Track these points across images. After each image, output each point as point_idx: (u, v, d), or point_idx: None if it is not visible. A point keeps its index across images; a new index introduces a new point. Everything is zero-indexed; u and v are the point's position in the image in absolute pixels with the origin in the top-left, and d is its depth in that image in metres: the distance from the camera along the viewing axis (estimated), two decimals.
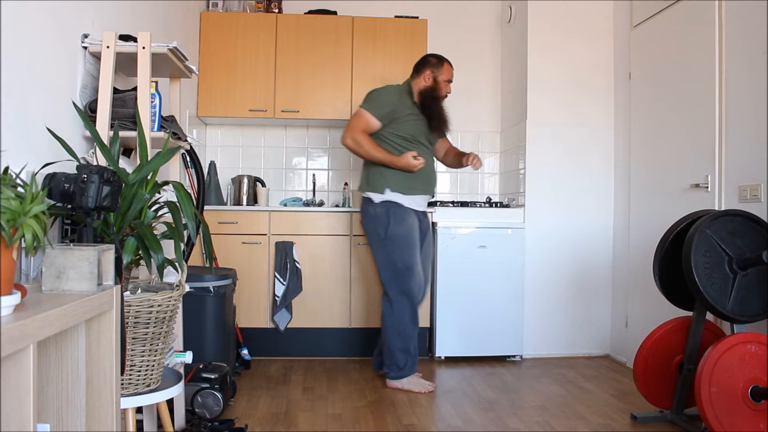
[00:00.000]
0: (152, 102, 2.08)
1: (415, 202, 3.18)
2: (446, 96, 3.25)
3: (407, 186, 3.13)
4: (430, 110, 3.19)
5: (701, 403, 2.21)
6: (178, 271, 1.83)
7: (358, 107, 3.18)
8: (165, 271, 1.70)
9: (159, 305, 1.70)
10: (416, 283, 3.11)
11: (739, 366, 2.25)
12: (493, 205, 3.96)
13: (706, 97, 2.97)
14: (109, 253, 1.39)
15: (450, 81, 3.25)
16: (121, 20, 2.39)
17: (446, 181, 4.44)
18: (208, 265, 2.41)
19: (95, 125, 1.96)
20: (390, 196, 3.11)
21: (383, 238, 3.10)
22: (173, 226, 1.76)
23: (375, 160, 3.12)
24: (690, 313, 2.58)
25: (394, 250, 3.08)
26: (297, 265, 3.66)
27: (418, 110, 3.19)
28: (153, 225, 1.80)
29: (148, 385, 1.74)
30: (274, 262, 3.66)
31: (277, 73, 3.97)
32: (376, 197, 3.13)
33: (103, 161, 1.84)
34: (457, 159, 3.33)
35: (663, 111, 3.36)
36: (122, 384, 1.66)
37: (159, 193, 1.84)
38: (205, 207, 3.55)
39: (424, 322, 3.70)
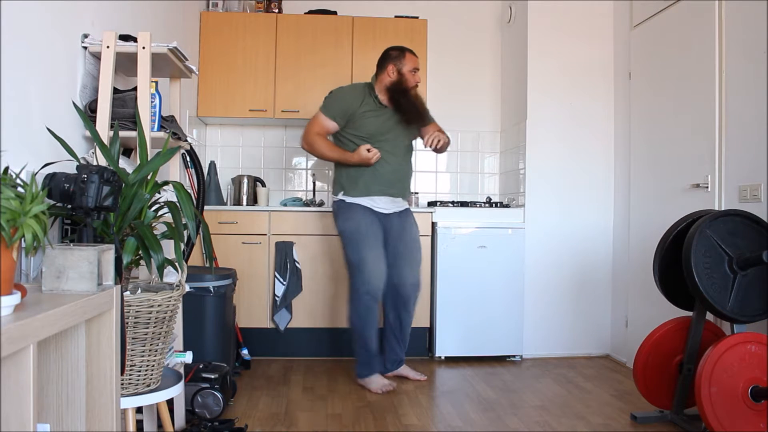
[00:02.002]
0: (152, 102, 2.08)
1: (375, 203, 3.14)
2: (416, 85, 3.19)
3: (363, 189, 3.12)
4: (402, 104, 3.13)
5: (701, 403, 2.21)
6: (178, 271, 1.83)
7: (318, 111, 3.20)
8: (165, 271, 1.70)
9: (159, 305, 1.70)
10: (366, 280, 3.03)
11: (739, 366, 2.25)
12: (493, 205, 3.96)
13: (706, 97, 2.97)
14: (109, 253, 1.39)
15: (416, 70, 3.18)
16: (121, 20, 2.39)
17: (446, 181, 4.44)
18: (208, 265, 2.41)
19: (95, 125, 1.96)
20: (344, 197, 3.14)
21: (338, 233, 3.17)
22: (173, 226, 1.76)
23: (330, 160, 3.16)
24: (690, 313, 2.58)
25: (344, 246, 3.14)
26: (297, 265, 3.66)
27: (380, 106, 3.15)
28: (153, 225, 1.80)
29: (148, 385, 1.74)
30: (274, 262, 3.66)
31: (277, 73, 3.97)
32: (334, 197, 3.21)
33: (103, 161, 1.84)
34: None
35: (663, 111, 3.36)
36: (122, 384, 1.66)
37: (159, 193, 1.84)
38: (205, 207, 3.55)
39: (423, 322, 3.71)
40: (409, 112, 3.15)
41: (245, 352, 3.49)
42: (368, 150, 3.03)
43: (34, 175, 1.15)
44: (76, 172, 1.53)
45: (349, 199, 3.13)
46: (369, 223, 3.11)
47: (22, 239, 1.06)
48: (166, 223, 1.78)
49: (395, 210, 3.22)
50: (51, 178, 1.53)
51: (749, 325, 2.44)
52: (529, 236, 3.81)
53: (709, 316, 2.58)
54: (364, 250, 3.06)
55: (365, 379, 3.11)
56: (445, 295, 3.68)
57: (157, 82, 2.12)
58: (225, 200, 4.13)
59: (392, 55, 3.16)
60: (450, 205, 3.88)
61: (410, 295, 3.20)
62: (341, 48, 4.01)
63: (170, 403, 2.25)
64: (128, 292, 1.71)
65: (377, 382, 3.07)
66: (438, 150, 3.21)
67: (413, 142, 3.34)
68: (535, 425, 2.60)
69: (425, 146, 3.18)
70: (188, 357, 2.22)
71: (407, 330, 3.27)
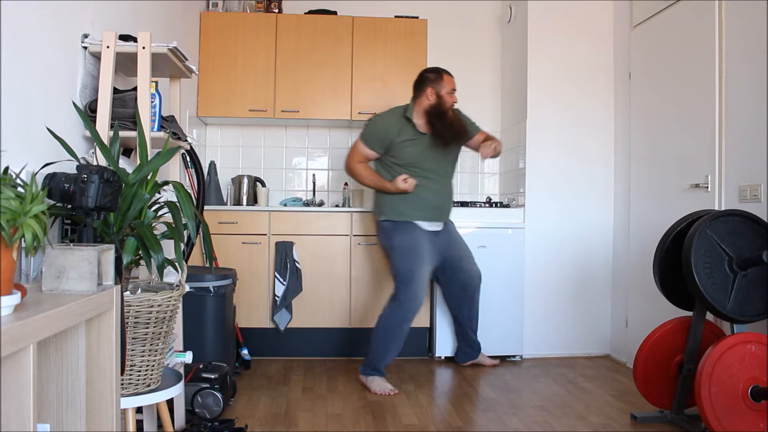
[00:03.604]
0: (152, 102, 2.08)
1: (419, 224, 3.24)
2: (452, 105, 3.23)
3: (404, 215, 3.20)
4: (437, 128, 3.16)
5: (701, 403, 2.21)
6: (178, 271, 1.83)
7: (359, 140, 3.27)
8: (165, 271, 1.70)
9: (159, 305, 1.70)
10: (413, 295, 3.10)
11: (739, 366, 2.25)
12: (493, 205, 3.96)
13: (706, 97, 2.97)
14: (109, 253, 1.39)
15: (454, 90, 3.22)
16: (121, 20, 2.39)
17: None
18: (208, 265, 2.41)
19: (95, 125, 1.96)
20: (390, 218, 3.22)
21: (388, 248, 3.26)
22: (173, 226, 1.76)
23: (370, 187, 3.29)
24: (690, 313, 2.58)
25: (393, 258, 3.21)
26: (297, 265, 3.66)
27: (418, 134, 3.19)
28: (153, 225, 1.80)
29: (148, 385, 1.74)
30: (274, 262, 3.66)
31: (277, 73, 3.97)
32: (377, 218, 3.30)
33: (103, 161, 1.84)
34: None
35: (663, 111, 3.36)
36: (122, 384, 1.67)
37: (159, 193, 1.84)
38: (205, 207, 3.55)
39: (423, 322, 3.71)
40: (445, 135, 3.17)
41: (245, 352, 3.49)
42: (405, 180, 3.10)
43: (34, 175, 1.15)
44: (76, 172, 1.53)
45: (396, 218, 3.21)
46: (421, 240, 3.20)
47: (22, 239, 1.06)
48: (166, 223, 1.78)
49: (438, 229, 3.32)
50: (51, 178, 1.53)
51: (749, 325, 2.44)
52: (529, 236, 3.81)
53: (709, 316, 2.58)
54: (414, 265, 3.13)
55: (369, 377, 3.11)
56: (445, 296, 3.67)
57: (157, 82, 2.12)
58: (225, 200, 4.13)
59: (430, 77, 3.19)
60: None
61: (478, 285, 3.43)
62: (341, 48, 4.01)
63: (170, 403, 2.25)
64: (128, 292, 1.71)
65: (381, 384, 3.07)
66: (494, 157, 3.32)
67: (455, 164, 3.39)
68: (535, 425, 2.60)
69: (483, 160, 3.31)
70: (188, 357, 2.22)
71: (477, 319, 3.52)
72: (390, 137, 3.16)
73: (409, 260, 3.14)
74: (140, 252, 1.68)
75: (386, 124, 3.20)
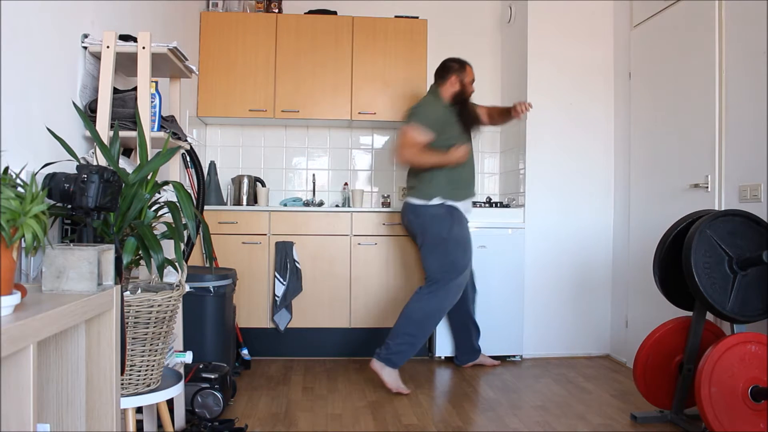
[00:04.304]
0: (152, 102, 2.08)
1: (464, 206, 3.28)
2: (471, 94, 3.37)
3: (463, 192, 3.26)
4: (464, 113, 3.30)
5: (701, 403, 2.21)
6: (178, 271, 1.83)
7: (404, 125, 3.22)
8: (165, 271, 1.70)
9: (159, 305, 1.70)
10: (460, 284, 3.17)
11: (739, 366, 2.25)
12: (493, 205, 3.96)
13: (706, 97, 2.97)
14: (109, 253, 1.39)
15: (473, 81, 3.36)
16: (121, 20, 2.39)
17: None
18: (208, 265, 2.41)
19: (95, 125, 1.96)
20: (444, 201, 3.21)
21: (447, 239, 3.16)
22: (173, 226, 1.76)
23: (435, 166, 3.20)
24: (690, 313, 2.58)
25: (448, 249, 3.16)
26: (297, 265, 3.66)
27: (456, 115, 3.29)
28: (153, 225, 1.80)
29: (148, 385, 1.74)
30: (274, 262, 3.66)
31: (277, 73, 3.97)
32: (427, 202, 3.21)
33: (103, 161, 1.84)
34: (503, 117, 3.43)
35: (663, 111, 3.36)
36: (122, 384, 1.67)
37: (159, 193, 1.84)
38: (205, 207, 3.55)
39: None
40: (470, 120, 3.32)
41: (245, 352, 3.49)
42: (458, 148, 3.19)
43: (34, 175, 1.15)
44: (76, 172, 1.53)
45: (449, 202, 3.21)
46: (468, 230, 3.28)
47: (22, 239, 1.06)
48: (166, 223, 1.78)
49: (469, 214, 3.37)
50: (51, 178, 1.53)
51: (749, 325, 2.44)
52: (529, 236, 3.81)
53: (709, 316, 2.58)
54: (467, 256, 3.21)
55: (387, 369, 3.05)
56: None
57: (157, 82, 2.12)
58: (225, 200, 4.13)
59: (454, 67, 3.31)
60: None
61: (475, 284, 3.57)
62: (341, 48, 4.01)
63: (170, 403, 2.25)
64: (128, 292, 1.71)
65: (395, 379, 3.07)
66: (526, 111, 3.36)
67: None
68: (535, 425, 2.60)
69: (519, 118, 3.36)
70: (188, 357, 2.22)
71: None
72: (444, 118, 3.23)
73: (465, 252, 3.20)
74: (140, 252, 1.68)
75: (436, 107, 3.26)
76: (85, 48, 2.04)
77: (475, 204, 3.93)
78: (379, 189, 4.41)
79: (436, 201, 3.20)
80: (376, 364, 3.08)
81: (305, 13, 4.06)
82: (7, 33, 1.56)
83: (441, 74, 3.34)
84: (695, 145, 3.06)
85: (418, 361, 3.65)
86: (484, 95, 4.41)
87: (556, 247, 3.84)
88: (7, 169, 1.25)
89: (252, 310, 3.67)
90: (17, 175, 1.29)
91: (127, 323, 1.64)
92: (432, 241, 3.19)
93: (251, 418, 2.61)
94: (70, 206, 1.53)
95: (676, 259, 2.52)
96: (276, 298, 3.62)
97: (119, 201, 1.63)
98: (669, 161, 3.29)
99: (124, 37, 2.06)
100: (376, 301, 3.75)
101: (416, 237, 3.31)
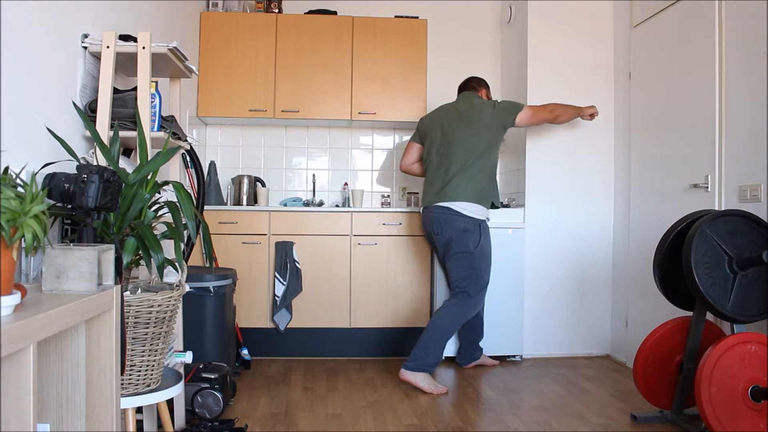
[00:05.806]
0: (152, 102, 2.08)
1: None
2: None
3: (491, 201, 3.33)
4: None
5: (701, 403, 2.21)
6: (178, 271, 1.83)
7: (521, 105, 3.36)
8: (165, 271, 1.70)
9: (159, 305, 1.70)
10: (482, 298, 3.31)
11: (739, 366, 2.25)
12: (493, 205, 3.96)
13: (706, 97, 2.97)
14: (109, 253, 1.39)
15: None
16: (121, 20, 2.39)
17: None
18: (208, 265, 2.41)
19: (95, 125, 1.96)
20: (486, 219, 3.29)
21: (487, 253, 3.28)
22: (173, 226, 1.76)
23: (571, 117, 3.50)
24: (690, 313, 2.58)
25: (478, 263, 3.23)
26: (297, 265, 3.66)
27: None
28: (153, 225, 1.80)
29: (148, 385, 1.74)
30: (274, 262, 3.66)
31: (277, 73, 3.97)
32: (479, 217, 3.24)
33: (103, 161, 1.84)
34: None
35: (663, 111, 3.35)
36: (122, 384, 1.67)
37: (159, 193, 1.84)
38: (205, 207, 3.55)
39: (423, 322, 3.71)
40: None
41: (245, 352, 3.49)
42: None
43: (34, 175, 1.15)
44: (76, 172, 1.53)
45: (487, 220, 3.33)
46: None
47: (22, 239, 1.06)
48: (166, 223, 1.78)
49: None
50: (51, 178, 1.53)
51: (749, 325, 2.44)
52: (529, 236, 3.81)
53: (709, 316, 2.58)
54: (490, 272, 3.32)
55: (419, 375, 3.09)
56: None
57: (157, 82, 2.12)
58: (225, 200, 4.13)
59: (487, 84, 3.58)
60: None
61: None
62: (341, 48, 4.01)
63: (170, 403, 2.25)
64: (128, 292, 1.71)
65: (431, 382, 3.10)
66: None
67: None
68: (535, 425, 2.60)
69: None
70: (188, 357, 2.22)
71: None
72: None
73: (489, 267, 3.30)
74: (140, 252, 1.68)
75: None
76: (85, 48, 2.04)
77: None
78: (379, 189, 4.41)
79: (484, 216, 3.26)
80: (407, 374, 3.11)
81: (305, 13, 4.06)
82: (7, 33, 1.56)
83: (479, 83, 3.53)
84: (695, 145, 3.06)
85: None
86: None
87: (556, 247, 3.84)
88: (7, 169, 1.25)
89: (252, 310, 3.67)
90: (17, 175, 1.29)
91: (127, 323, 1.64)
92: (467, 254, 3.23)
93: (251, 418, 2.61)
94: (70, 206, 1.53)
95: (676, 259, 2.51)
96: (276, 298, 3.62)
97: (119, 201, 1.63)
98: (669, 161, 3.29)
99: (124, 37, 2.06)
100: (376, 301, 3.75)
101: (445, 245, 3.27)
